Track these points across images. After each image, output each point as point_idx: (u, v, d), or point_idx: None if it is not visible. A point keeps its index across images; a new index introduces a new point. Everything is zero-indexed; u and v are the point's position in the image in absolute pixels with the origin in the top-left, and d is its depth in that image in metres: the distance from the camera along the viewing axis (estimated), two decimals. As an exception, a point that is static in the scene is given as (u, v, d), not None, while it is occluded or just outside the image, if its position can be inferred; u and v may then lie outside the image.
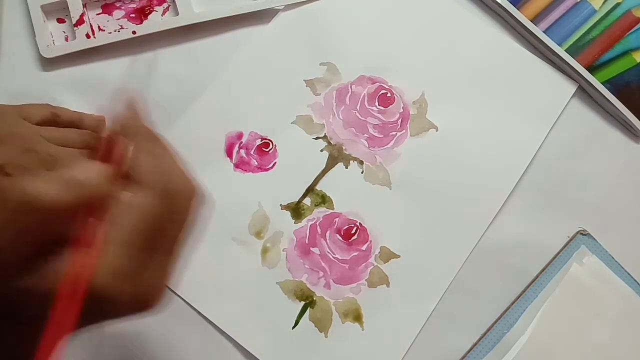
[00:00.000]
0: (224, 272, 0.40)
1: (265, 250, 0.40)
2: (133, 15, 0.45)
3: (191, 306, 0.39)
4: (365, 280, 0.40)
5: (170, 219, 0.26)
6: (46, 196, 0.23)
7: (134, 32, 0.44)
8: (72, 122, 0.39)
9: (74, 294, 0.23)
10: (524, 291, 0.41)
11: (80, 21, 0.44)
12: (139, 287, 0.25)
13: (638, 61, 0.46)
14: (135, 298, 0.25)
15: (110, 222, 0.25)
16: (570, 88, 0.46)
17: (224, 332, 0.38)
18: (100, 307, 0.25)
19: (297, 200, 0.42)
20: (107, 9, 0.46)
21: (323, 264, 0.40)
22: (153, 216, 0.25)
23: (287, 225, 0.41)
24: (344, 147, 0.43)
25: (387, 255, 0.41)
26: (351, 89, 0.45)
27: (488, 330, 0.40)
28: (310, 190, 0.42)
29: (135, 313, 0.27)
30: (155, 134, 0.28)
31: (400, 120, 0.44)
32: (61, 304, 0.23)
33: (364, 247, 0.41)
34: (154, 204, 0.25)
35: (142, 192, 0.25)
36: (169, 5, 0.46)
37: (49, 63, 0.44)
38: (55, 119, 0.38)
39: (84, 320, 0.24)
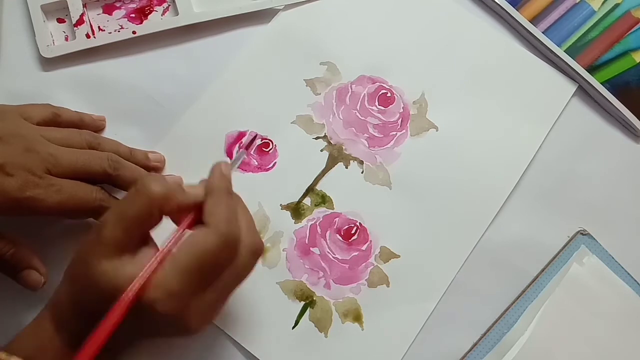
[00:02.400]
0: (224, 272, 0.40)
1: (265, 250, 0.40)
2: (133, 15, 0.45)
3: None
4: (365, 280, 0.40)
5: (228, 264, 0.30)
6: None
7: (134, 32, 0.44)
8: (73, 122, 0.39)
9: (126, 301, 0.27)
10: (524, 291, 0.41)
11: (80, 21, 0.44)
12: (185, 312, 0.29)
13: (637, 61, 0.46)
14: (178, 321, 0.29)
15: (179, 248, 0.29)
16: (570, 88, 0.46)
17: (224, 331, 0.38)
18: (142, 318, 0.28)
19: (297, 200, 0.42)
20: (107, 9, 0.46)
21: (323, 264, 0.40)
22: (213, 255, 0.29)
23: (287, 225, 0.41)
24: (344, 147, 0.43)
25: (387, 255, 0.41)
26: (351, 88, 0.45)
27: (488, 330, 0.40)
28: (310, 190, 0.42)
29: (173, 335, 0.31)
30: (235, 194, 0.33)
31: (400, 120, 0.44)
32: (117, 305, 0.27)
33: (364, 247, 0.41)
34: (216, 244, 0.29)
35: (208, 232, 0.29)
36: (169, 5, 0.46)
37: (49, 63, 0.44)
38: (56, 119, 0.38)
39: (124, 328, 0.27)
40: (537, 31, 0.46)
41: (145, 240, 0.31)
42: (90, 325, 0.28)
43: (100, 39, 0.44)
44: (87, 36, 0.44)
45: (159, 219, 0.30)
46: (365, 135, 0.44)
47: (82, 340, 0.28)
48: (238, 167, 0.41)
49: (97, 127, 0.42)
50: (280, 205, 0.42)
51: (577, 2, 0.47)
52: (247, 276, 0.32)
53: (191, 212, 0.31)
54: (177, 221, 0.32)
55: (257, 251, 0.32)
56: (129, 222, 0.29)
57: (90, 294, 0.29)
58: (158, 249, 0.30)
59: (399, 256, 0.41)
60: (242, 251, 0.31)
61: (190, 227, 0.31)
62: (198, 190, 0.32)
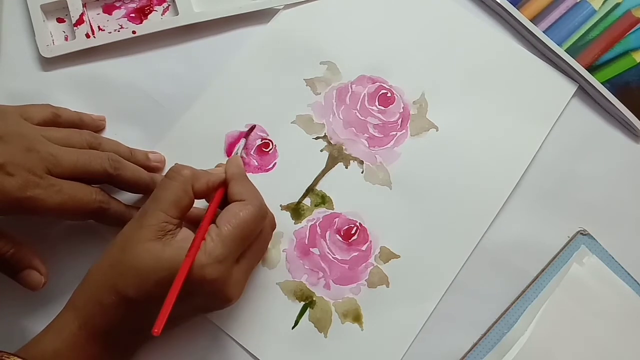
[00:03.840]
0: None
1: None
2: (133, 15, 0.45)
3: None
4: (365, 280, 0.40)
5: (259, 233, 0.35)
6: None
7: (134, 32, 0.44)
8: (73, 122, 0.39)
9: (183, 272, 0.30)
10: (524, 291, 0.41)
11: (80, 21, 0.44)
12: (227, 279, 0.33)
13: (638, 61, 0.46)
14: (222, 288, 0.32)
15: (219, 220, 0.33)
16: (570, 88, 0.46)
17: (224, 331, 0.38)
18: (189, 291, 0.31)
19: (297, 200, 0.42)
20: (107, 8, 0.45)
21: (323, 264, 0.40)
22: (251, 224, 0.33)
23: (287, 225, 0.41)
24: (344, 147, 0.43)
25: (387, 255, 0.41)
26: (351, 88, 0.45)
27: (488, 330, 0.40)
28: (310, 190, 0.42)
29: (214, 306, 0.34)
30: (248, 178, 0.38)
31: (400, 120, 0.44)
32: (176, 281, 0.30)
33: (363, 248, 0.41)
34: (254, 214, 0.34)
35: (246, 204, 0.34)
36: (169, 5, 0.46)
37: (49, 63, 0.44)
38: (56, 119, 0.38)
39: (180, 304, 0.30)
40: (537, 30, 0.46)
41: (180, 225, 0.34)
42: (121, 314, 0.32)
43: (100, 39, 0.44)
44: (87, 36, 0.44)
45: (192, 199, 0.34)
46: (366, 135, 0.44)
47: (110, 331, 0.32)
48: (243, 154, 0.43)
49: (97, 127, 0.42)
50: (280, 205, 0.42)
51: (577, 1, 0.47)
52: (267, 248, 0.39)
53: (219, 189, 0.36)
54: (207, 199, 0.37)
55: (274, 225, 0.39)
56: (168, 204, 0.33)
57: (131, 277, 0.32)
58: (192, 232, 0.33)
59: (399, 256, 0.41)
60: (266, 224, 0.36)
61: (218, 204, 0.35)
62: (219, 171, 0.37)
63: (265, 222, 0.35)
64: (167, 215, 0.33)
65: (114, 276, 0.32)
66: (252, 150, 0.43)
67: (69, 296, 0.33)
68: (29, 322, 0.38)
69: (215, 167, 0.40)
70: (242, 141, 0.43)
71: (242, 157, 0.42)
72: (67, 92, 0.43)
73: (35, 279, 0.35)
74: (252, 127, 0.43)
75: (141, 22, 0.45)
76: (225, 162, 0.39)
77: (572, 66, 0.45)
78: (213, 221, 0.34)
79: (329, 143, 0.43)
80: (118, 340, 0.33)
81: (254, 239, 0.35)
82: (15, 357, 0.30)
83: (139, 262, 0.31)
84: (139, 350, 0.36)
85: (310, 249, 0.41)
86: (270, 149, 0.43)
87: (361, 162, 0.43)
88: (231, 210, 0.34)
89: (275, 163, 0.43)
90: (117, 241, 0.33)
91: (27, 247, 0.36)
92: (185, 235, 0.33)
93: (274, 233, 0.40)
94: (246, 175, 0.38)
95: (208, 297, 0.33)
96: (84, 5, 0.45)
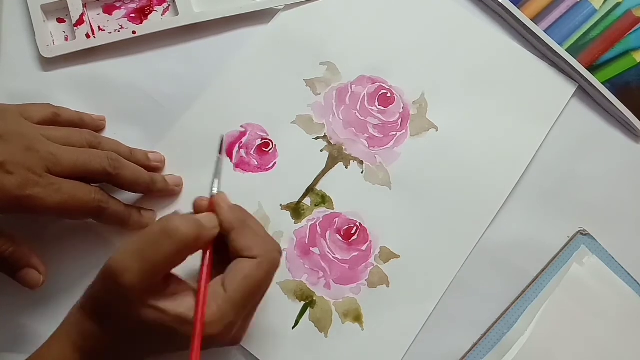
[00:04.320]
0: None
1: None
2: (133, 15, 0.45)
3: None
4: (365, 280, 0.40)
5: (270, 284, 0.33)
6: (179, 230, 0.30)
7: (134, 32, 0.44)
8: (73, 121, 0.39)
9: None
10: (524, 291, 0.41)
11: (80, 21, 0.44)
12: (234, 334, 0.32)
13: (638, 61, 0.46)
14: (229, 342, 0.32)
15: (229, 283, 0.31)
16: (570, 88, 0.46)
17: (224, 332, 0.38)
18: (205, 345, 0.29)
19: (297, 200, 0.42)
20: (107, 9, 0.45)
21: (323, 264, 0.40)
22: (259, 282, 0.32)
23: (287, 225, 0.41)
24: (344, 147, 0.43)
25: (387, 255, 0.41)
26: (351, 88, 0.45)
27: (488, 330, 0.40)
28: (310, 190, 0.42)
29: (225, 346, 0.33)
30: (247, 212, 0.35)
31: (400, 120, 0.44)
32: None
33: (363, 247, 0.41)
34: (262, 274, 0.32)
35: (255, 265, 0.31)
36: (169, 5, 0.46)
37: (49, 63, 0.44)
38: (56, 119, 0.38)
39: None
40: (538, 30, 0.46)
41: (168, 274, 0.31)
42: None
43: (100, 39, 0.44)
44: (87, 36, 0.44)
45: (185, 259, 0.31)
46: (365, 135, 0.44)
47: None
48: (237, 169, 0.41)
49: (97, 127, 0.42)
50: (280, 205, 0.42)
51: (578, 1, 0.47)
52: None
53: (210, 245, 0.33)
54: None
55: (278, 265, 0.34)
56: (158, 268, 0.29)
57: (138, 334, 0.30)
58: (179, 278, 0.32)
59: (399, 256, 0.41)
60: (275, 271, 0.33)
61: (211, 264, 0.32)
62: (208, 219, 0.33)
63: (274, 271, 0.33)
64: (155, 277, 0.30)
65: (120, 331, 0.31)
66: (252, 150, 0.43)
67: (68, 295, 0.33)
68: (28, 321, 0.38)
69: (195, 201, 0.34)
70: (218, 159, 0.37)
71: (241, 156, 0.42)
72: (67, 92, 0.43)
73: (34, 277, 0.35)
74: (222, 141, 0.38)
75: (141, 23, 0.45)
76: (205, 197, 0.34)
77: (572, 66, 0.45)
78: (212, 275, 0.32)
79: (329, 143, 0.43)
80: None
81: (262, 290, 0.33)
82: None
83: (143, 321, 0.29)
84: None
85: (311, 249, 0.41)
86: (270, 149, 0.43)
87: (361, 162, 0.43)
88: (242, 270, 0.31)
89: (275, 163, 0.43)
90: (103, 298, 0.31)
91: (26, 246, 0.36)
92: (178, 287, 0.31)
93: (273, 234, 0.40)
94: (247, 222, 0.33)
95: (216, 347, 0.32)
96: (84, 6, 0.45)
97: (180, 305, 0.30)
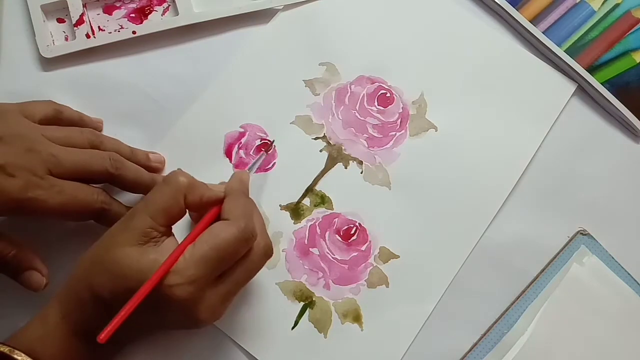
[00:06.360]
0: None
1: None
2: (133, 15, 0.45)
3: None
4: (365, 280, 0.40)
5: (241, 257, 0.32)
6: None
7: (134, 32, 0.44)
8: (73, 120, 0.39)
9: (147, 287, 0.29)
10: (524, 291, 0.41)
11: (80, 21, 0.44)
12: (198, 301, 0.31)
13: (637, 61, 0.46)
14: (191, 309, 0.31)
15: (198, 240, 0.31)
16: (570, 88, 0.46)
17: (224, 332, 0.38)
18: (157, 306, 0.30)
19: (296, 200, 0.42)
20: (107, 9, 0.46)
21: (322, 264, 0.40)
22: (230, 245, 0.31)
23: (287, 225, 0.41)
24: (343, 147, 0.43)
25: (387, 255, 0.41)
26: (350, 89, 0.45)
27: (488, 330, 0.40)
28: (309, 190, 0.42)
29: (182, 325, 0.33)
30: (250, 198, 0.35)
31: (399, 120, 0.44)
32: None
33: (363, 248, 0.41)
34: (235, 236, 0.31)
35: (228, 224, 0.32)
36: (169, 5, 0.46)
37: (49, 63, 0.44)
38: (58, 116, 0.38)
39: (139, 317, 0.28)
40: (537, 31, 0.46)
41: (168, 233, 0.33)
42: (98, 313, 0.30)
43: (100, 39, 0.44)
44: (87, 36, 0.44)
45: (183, 210, 0.33)
46: (365, 135, 0.44)
47: (87, 328, 0.31)
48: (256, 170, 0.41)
49: (95, 128, 0.42)
50: (280, 205, 0.42)
51: (577, 2, 0.47)
52: (255, 275, 0.34)
53: (211, 209, 0.34)
54: (197, 218, 0.35)
55: (268, 252, 0.34)
56: (157, 210, 0.32)
57: (106, 278, 0.31)
58: (178, 243, 0.32)
59: (399, 256, 0.41)
60: (255, 249, 0.33)
61: (209, 223, 0.33)
62: (218, 187, 0.35)
63: (250, 246, 0.33)
64: (154, 221, 0.31)
65: (92, 274, 0.32)
66: (252, 150, 0.43)
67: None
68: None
69: (220, 183, 0.37)
70: (262, 154, 0.41)
71: (241, 157, 0.42)
72: (67, 92, 0.43)
73: (37, 280, 0.35)
74: (272, 142, 0.42)
75: (141, 23, 0.45)
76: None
77: (571, 67, 0.45)
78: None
79: (328, 143, 0.43)
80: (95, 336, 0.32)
81: (237, 263, 0.32)
82: (1, 345, 0.30)
83: (115, 265, 0.31)
84: (138, 350, 0.36)
85: (310, 249, 0.41)
86: (270, 149, 0.43)
87: (360, 163, 0.43)
88: (212, 229, 0.32)
89: (275, 163, 0.43)
90: (104, 237, 0.33)
91: (29, 248, 0.36)
92: (169, 246, 0.32)
93: (272, 234, 0.40)
94: (246, 193, 0.35)
95: (177, 316, 0.31)
96: (84, 6, 0.45)
97: (160, 254, 0.31)
